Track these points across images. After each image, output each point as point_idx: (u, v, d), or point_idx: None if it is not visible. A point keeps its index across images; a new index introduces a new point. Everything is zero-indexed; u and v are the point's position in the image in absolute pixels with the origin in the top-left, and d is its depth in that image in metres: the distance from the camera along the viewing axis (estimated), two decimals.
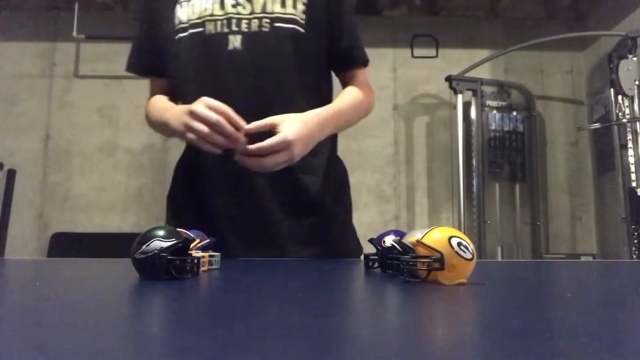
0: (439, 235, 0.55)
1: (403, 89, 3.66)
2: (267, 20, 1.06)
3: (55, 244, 3.40)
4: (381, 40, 3.61)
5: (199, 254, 0.66)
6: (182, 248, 0.61)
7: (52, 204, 3.50)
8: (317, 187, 1.11)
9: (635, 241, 2.78)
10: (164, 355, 0.26)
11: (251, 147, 0.93)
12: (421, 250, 0.56)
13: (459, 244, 0.55)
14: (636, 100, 3.00)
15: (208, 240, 0.75)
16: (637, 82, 2.98)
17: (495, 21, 3.76)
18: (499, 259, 3.37)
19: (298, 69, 1.09)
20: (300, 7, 1.09)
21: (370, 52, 1.20)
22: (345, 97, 1.14)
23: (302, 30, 1.08)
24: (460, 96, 3.38)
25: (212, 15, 1.07)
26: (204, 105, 0.94)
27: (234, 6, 1.07)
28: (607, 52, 3.19)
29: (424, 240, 0.55)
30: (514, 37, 3.55)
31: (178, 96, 1.14)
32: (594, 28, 3.52)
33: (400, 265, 0.58)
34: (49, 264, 1.15)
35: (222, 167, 1.06)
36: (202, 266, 0.65)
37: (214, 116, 0.92)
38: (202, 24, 1.07)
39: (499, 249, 3.47)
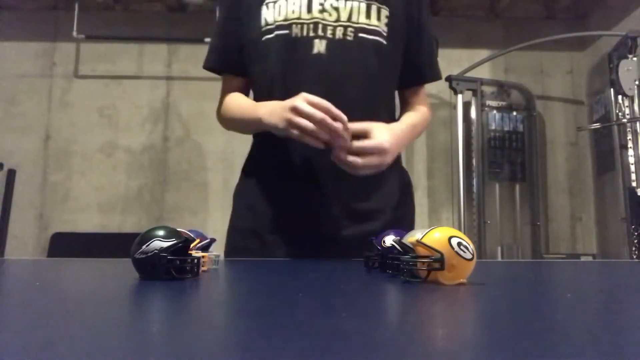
0: (439, 235, 0.55)
1: None
2: (352, 29, 1.07)
3: (55, 244, 3.40)
4: None
5: (199, 254, 0.66)
6: (182, 248, 0.61)
7: (52, 204, 3.50)
8: (387, 199, 1.12)
9: (635, 241, 2.78)
10: (164, 356, 0.26)
11: (356, 143, 0.96)
12: (421, 250, 0.56)
13: (459, 244, 0.55)
14: (636, 100, 3.00)
15: (208, 240, 0.75)
16: (637, 82, 2.98)
17: (495, 21, 3.76)
18: (499, 259, 3.37)
19: (378, 79, 1.11)
20: (384, 19, 1.10)
21: None
22: (418, 114, 1.20)
23: (384, 42, 1.10)
24: (460, 96, 3.38)
25: (299, 18, 1.07)
26: (305, 101, 0.94)
27: (320, 12, 1.08)
28: (607, 52, 3.19)
29: (424, 240, 0.55)
30: (514, 37, 3.55)
31: (259, 95, 1.14)
32: (594, 28, 3.52)
33: (400, 265, 0.58)
34: (49, 264, 1.15)
35: (292, 170, 1.07)
36: (202, 266, 0.65)
37: (318, 114, 0.93)
38: (289, 27, 1.07)
39: (499, 249, 3.47)
